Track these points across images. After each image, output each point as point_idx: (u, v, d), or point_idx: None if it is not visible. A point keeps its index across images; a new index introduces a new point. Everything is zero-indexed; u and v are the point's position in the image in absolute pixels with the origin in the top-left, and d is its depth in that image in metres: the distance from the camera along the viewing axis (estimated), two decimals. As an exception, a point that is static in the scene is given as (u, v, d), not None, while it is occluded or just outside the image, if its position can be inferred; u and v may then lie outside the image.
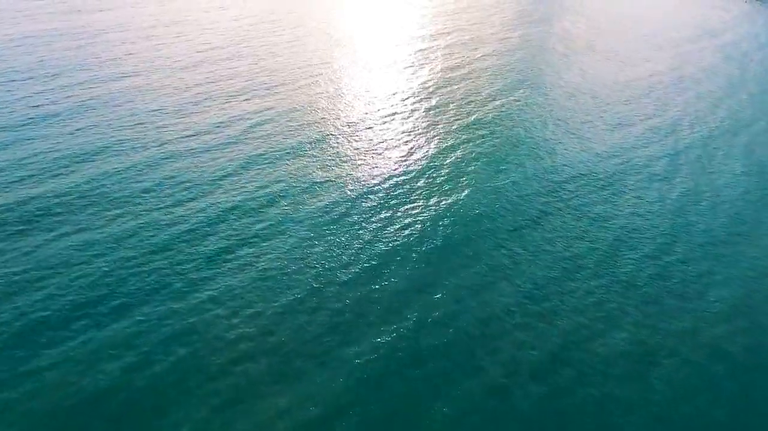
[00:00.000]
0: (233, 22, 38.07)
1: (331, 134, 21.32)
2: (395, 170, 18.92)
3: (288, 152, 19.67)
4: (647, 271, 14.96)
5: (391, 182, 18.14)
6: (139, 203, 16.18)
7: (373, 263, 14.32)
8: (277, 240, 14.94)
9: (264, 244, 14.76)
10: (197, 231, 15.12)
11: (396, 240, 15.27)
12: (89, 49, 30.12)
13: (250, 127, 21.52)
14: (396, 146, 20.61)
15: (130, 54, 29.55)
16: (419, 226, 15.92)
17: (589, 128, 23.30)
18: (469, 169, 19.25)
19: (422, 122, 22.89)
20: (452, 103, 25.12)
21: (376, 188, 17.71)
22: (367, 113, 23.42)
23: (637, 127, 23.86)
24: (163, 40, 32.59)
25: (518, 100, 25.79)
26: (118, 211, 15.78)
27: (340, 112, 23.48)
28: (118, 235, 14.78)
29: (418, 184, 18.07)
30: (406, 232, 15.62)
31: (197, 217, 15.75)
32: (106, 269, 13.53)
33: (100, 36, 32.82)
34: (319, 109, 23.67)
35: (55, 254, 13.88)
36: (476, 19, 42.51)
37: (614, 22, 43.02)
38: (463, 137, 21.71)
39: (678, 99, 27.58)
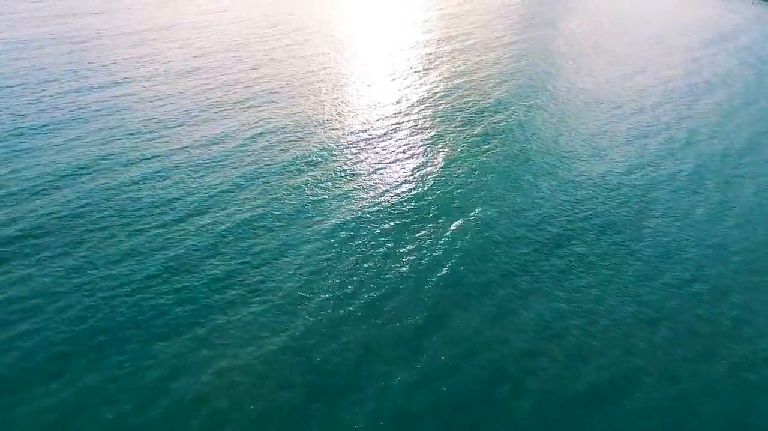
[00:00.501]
0: (231, 25, 36.95)
1: (333, 148, 20.21)
2: (402, 186, 17.80)
3: (287, 168, 18.54)
4: (675, 301, 13.84)
5: (398, 199, 17.02)
6: (129, 224, 15.05)
7: (381, 292, 13.19)
8: (278, 265, 13.81)
9: (263, 269, 13.63)
10: (192, 255, 14.00)
11: (405, 264, 14.15)
12: (81, 54, 29.01)
13: (249, 139, 20.39)
14: (402, 160, 19.49)
15: (124, 60, 28.43)
16: (429, 251, 14.79)
17: (605, 140, 22.18)
18: (480, 185, 18.13)
19: (429, 134, 21.77)
20: (459, 113, 24.01)
21: (383, 206, 16.60)
22: (371, 125, 22.30)
23: (655, 138, 22.74)
24: (158, 45, 31.48)
25: (529, 109, 24.66)
26: (106, 233, 14.66)
27: (341, 123, 22.36)
28: (107, 260, 13.66)
29: (427, 202, 16.95)
30: (415, 256, 14.50)
31: (192, 239, 14.63)
32: (94, 298, 12.41)
33: (94, 41, 31.71)
34: (320, 120, 22.55)
35: (37, 284, 12.75)
36: (481, 22, 41.42)
37: (621, 25, 41.91)
38: (473, 150, 20.59)
39: (695, 107, 26.46)
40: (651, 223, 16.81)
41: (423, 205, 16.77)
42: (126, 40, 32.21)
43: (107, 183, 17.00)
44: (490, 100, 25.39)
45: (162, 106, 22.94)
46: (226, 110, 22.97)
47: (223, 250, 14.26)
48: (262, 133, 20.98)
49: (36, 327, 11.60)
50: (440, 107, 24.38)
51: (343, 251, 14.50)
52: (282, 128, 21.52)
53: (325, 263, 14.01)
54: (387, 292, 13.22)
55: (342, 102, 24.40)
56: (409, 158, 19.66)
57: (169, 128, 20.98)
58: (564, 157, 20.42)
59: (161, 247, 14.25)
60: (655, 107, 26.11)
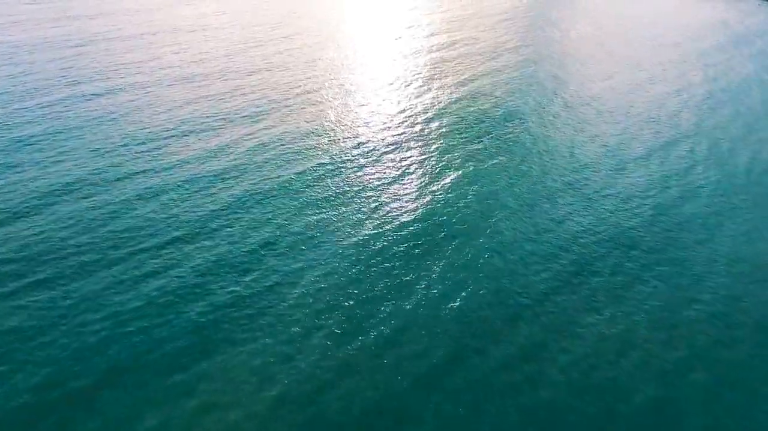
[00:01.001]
0: (229, 29, 35.82)
1: (336, 162, 19.05)
2: (409, 204, 16.63)
3: (286, 186, 17.38)
4: (708, 337, 12.66)
5: (406, 219, 15.85)
6: (116, 248, 13.90)
7: (391, 327, 12.01)
8: (275, 297, 12.65)
9: (259, 302, 12.46)
10: (182, 285, 12.83)
11: (416, 294, 12.98)
12: (74, 60, 27.89)
13: (246, 153, 19.24)
14: (409, 175, 18.32)
15: (118, 66, 27.31)
16: (441, 279, 13.61)
17: (623, 152, 20.99)
18: (494, 203, 16.96)
19: (437, 146, 20.61)
20: (468, 123, 22.84)
21: (389, 228, 15.43)
22: (376, 136, 21.14)
23: (675, 149, 21.54)
24: (153, 51, 30.35)
25: (541, 119, 23.49)
26: (90, 258, 13.50)
27: (344, 135, 21.21)
28: (89, 290, 12.51)
29: (436, 222, 15.77)
30: (426, 285, 13.33)
31: (184, 265, 13.47)
32: (72, 337, 11.25)
33: (87, 46, 30.59)
34: (321, 132, 21.40)
35: (10, 319, 11.60)
36: (486, 25, 40.27)
37: (628, 26, 40.72)
38: (484, 164, 19.41)
39: (714, 116, 25.26)
40: (678, 243, 15.63)
41: (432, 226, 15.60)
42: (120, 45, 31.10)
43: (94, 202, 15.85)
44: (499, 110, 24.23)
45: (155, 115, 21.80)
46: (222, 120, 21.83)
47: (217, 279, 13.09)
48: (259, 146, 19.82)
49: (7, 369, 10.45)
50: (447, 117, 23.21)
51: (348, 281, 13.33)
52: (281, 140, 20.36)
53: (328, 295, 12.83)
54: (398, 327, 12.05)
55: (345, 112, 23.25)
56: (416, 173, 18.50)
57: (163, 140, 19.83)
58: (581, 171, 19.24)
59: (148, 275, 13.08)
60: (673, 116, 24.93)
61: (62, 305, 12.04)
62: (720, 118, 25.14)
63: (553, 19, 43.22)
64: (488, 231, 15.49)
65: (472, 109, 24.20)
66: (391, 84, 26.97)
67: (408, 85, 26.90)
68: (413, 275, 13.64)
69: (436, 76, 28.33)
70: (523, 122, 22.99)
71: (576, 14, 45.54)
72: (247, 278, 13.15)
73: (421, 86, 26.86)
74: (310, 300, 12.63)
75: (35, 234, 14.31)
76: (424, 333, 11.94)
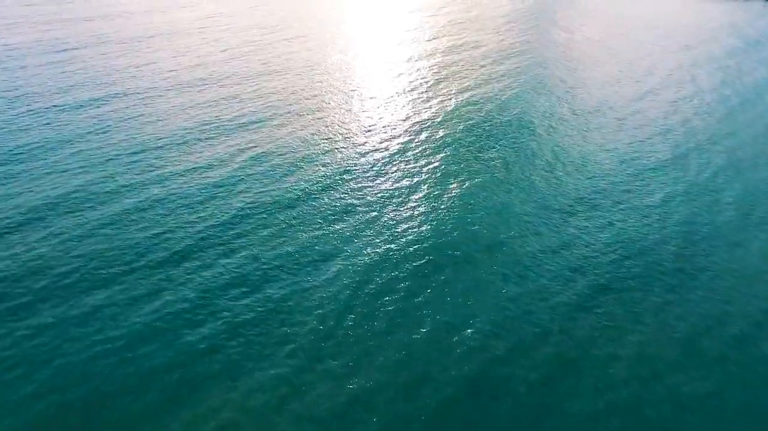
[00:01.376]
0: (226, 33, 34.94)
1: (337, 175, 18.15)
2: (415, 220, 15.72)
3: (286, 200, 16.47)
4: (744, 384, 11.73)
5: (413, 238, 14.93)
6: (106, 268, 12.98)
7: (402, 362, 11.08)
8: (273, 326, 11.72)
9: (256, 332, 11.55)
10: (175, 311, 11.92)
11: (426, 326, 12.06)
12: (67, 66, 27.01)
13: (243, 165, 18.34)
14: (414, 189, 17.42)
15: (111, 72, 26.42)
16: (452, 307, 12.68)
17: (639, 163, 20.07)
18: (504, 220, 16.04)
19: (442, 157, 19.71)
20: (475, 132, 21.95)
21: (395, 248, 14.49)
22: (378, 147, 20.25)
23: (693, 160, 20.61)
24: (149, 55, 29.45)
25: (551, 126, 22.58)
26: (78, 280, 12.58)
27: (345, 145, 20.31)
28: (78, 316, 11.59)
29: (445, 241, 14.84)
30: (435, 313, 12.41)
31: (178, 290, 12.55)
32: (58, 367, 10.33)
33: (81, 50, 29.71)
34: (322, 141, 20.52)
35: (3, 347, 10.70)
36: (490, 28, 39.39)
37: (637, 28, 39.83)
38: (493, 176, 18.50)
39: (730, 124, 24.33)
40: (705, 261, 14.70)
41: (441, 243, 14.67)
42: (115, 49, 30.24)
43: (83, 219, 14.94)
44: (506, 117, 23.33)
45: (148, 124, 20.91)
46: (219, 129, 20.94)
47: (214, 302, 12.17)
48: (258, 156, 18.92)
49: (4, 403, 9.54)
50: (453, 126, 22.31)
51: (353, 304, 12.40)
52: (280, 150, 19.47)
53: (330, 324, 11.90)
54: (409, 354, 11.12)
55: (346, 120, 22.36)
56: (422, 186, 17.59)
57: (156, 150, 18.94)
58: (595, 182, 18.32)
59: (140, 300, 12.17)
60: (686, 123, 24.01)
61: (48, 331, 11.11)
62: (736, 124, 24.21)
63: (559, 22, 42.34)
64: (500, 249, 14.56)
65: (479, 116, 23.29)
66: (394, 90, 26.08)
67: (411, 91, 26.00)
68: (422, 297, 12.71)
69: (440, 82, 27.44)
70: (533, 131, 22.08)
71: (580, 16, 44.67)
72: (246, 300, 12.22)
73: (425, 93, 25.96)
74: (314, 324, 11.71)
75: (18, 254, 13.39)
76: (436, 362, 11.01)
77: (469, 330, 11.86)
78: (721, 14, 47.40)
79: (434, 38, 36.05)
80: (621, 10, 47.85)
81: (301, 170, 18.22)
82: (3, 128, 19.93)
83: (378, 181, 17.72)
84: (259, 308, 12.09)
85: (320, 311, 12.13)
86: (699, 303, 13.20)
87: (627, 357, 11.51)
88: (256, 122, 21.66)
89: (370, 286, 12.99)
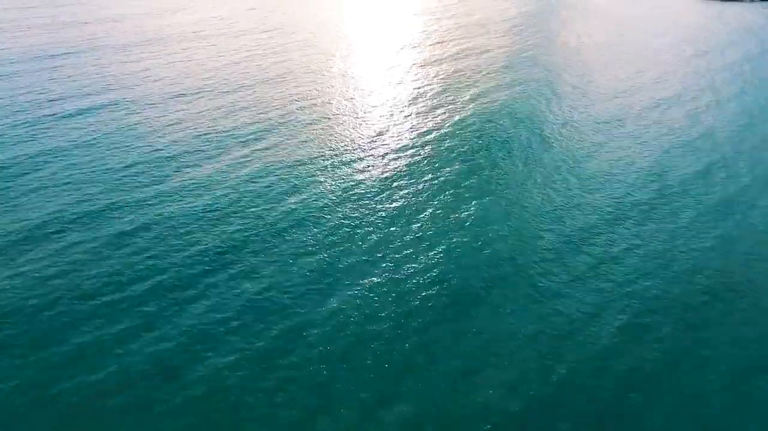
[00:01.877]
0: (223, 37, 33.68)
1: (338, 194, 16.87)
2: (422, 244, 14.41)
3: (288, 223, 15.18)
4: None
5: (422, 265, 13.61)
6: (94, 296, 11.67)
7: (413, 405, 9.77)
8: (273, 363, 10.41)
9: (257, 369, 10.22)
10: (168, 351, 10.61)
11: (437, 364, 10.75)
12: (60, 72, 25.79)
13: (243, 179, 17.06)
14: (421, 208, 16.12)
15: (105, 79, 25.18)
16: (469, 350, 11.37)
17: (665, 182, 18.76)
18: (519, 244, 14.74)
19: (450, 173, 18.42)
20: (483, 145, 20.66)
21: (402, 277, 13.18)
22: (382, 163, 18.97)
23: (720, 176, 19.29)
24: (145, 63, 28.20)
25: (568, 142, 21.27)
26: (61, 311, 11.27)
27: (347, 159, 19.04)
28: (70, 348, 10.29)
29: (456, 267, 13.53)
30: (445, 352, 11.09)
31: (171, 325, 11.25)
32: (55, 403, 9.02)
33: (75, 56, 28.49)
34: (323, 156, 19.27)
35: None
36: (496, 33, 38.13)
37: (645, 33, 38.54)
38: (505, 194, 17.20)
39: (756, 136, 23.01)
40: (749, 295, 13.37)
41: (450, 275, 13.34)
42: (110, 56, 29.02)
43: (71, 243, 13.66)
44: (518, 127, 22.04)
45: (143, 137, 19.66)
46: (217, 140, 19.68)
47: (207, 343, 10.85)
48: (257, 171, 17.66)
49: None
50: (460, 139, 21.01)
51: (361, 337, 11.08)
52: (280, 164, 18.20)
53: (337, 358, 10.57)
54: (427, 401, 9.79)
55: (347, 134, 21.10)
56: (429, 205, 16.28)
57: (150, 165, 17.69)
58: (622, 203, 16.99)
59: (133, 331, 10.86)
60: (708, 133, 22.67)
61: (31, 370, 9.79)
62: (762, 134, 22.88)
63: (565, 25, 41.06)
64: (516, 279, 13.24)
65: (487, 128, 21.99)
66: (397, 99, 24.81)
67: (416, 100, 24.73)
68: (433, 334, 11.39)
69: (446, 90, 26.16)
70: (546, 143, 20.77)
71: (587, 18, 43.39)
72: (250, 331, 10.90)
73: (430, 101, 24.68)
74: (322, 355, 10.38)
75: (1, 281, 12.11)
76: (459, 408, 9.68)
77: (489, 369, 10.53)
78: (736, 18, 46.09)
79: (438, 43, 34.79)
80: (625, 12, 46.56)
81: (300, 188, 16.94)
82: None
83: (382, 198, 16.41)
84: (265, 335, 10.77)
85: (329, 339, 10.80)
86: (747, 343, 11.85)
87: (664, 411, 10.17)
88: (252, 135, 20.39)
89: (380, 314, 11.66)
